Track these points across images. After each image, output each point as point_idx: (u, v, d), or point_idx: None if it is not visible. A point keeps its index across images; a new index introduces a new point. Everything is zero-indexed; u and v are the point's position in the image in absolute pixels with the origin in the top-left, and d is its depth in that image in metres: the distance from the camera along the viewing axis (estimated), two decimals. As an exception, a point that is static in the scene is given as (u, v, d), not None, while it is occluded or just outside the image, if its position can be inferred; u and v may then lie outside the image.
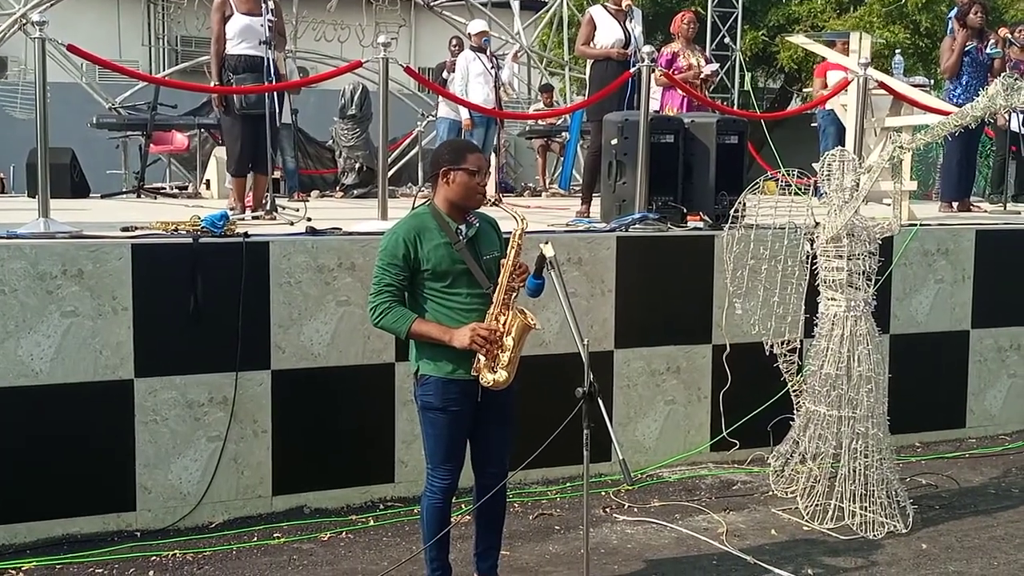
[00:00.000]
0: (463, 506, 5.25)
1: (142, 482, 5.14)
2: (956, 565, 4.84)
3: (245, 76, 7.03)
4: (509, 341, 3.92)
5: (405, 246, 3.90)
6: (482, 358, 3.89)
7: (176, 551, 4.90)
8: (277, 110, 7.16)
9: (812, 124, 10.73)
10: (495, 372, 3.91)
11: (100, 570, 4.69)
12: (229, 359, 5.24)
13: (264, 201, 7.30)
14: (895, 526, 5.23)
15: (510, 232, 4.01)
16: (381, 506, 5.56)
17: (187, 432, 5.22)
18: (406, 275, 3.91)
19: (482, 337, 3.86)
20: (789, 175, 5.71)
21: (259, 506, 5.40)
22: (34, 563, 4.72)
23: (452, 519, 4.19)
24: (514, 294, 3.98)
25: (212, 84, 7.26)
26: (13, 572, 4.63)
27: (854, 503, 5.29)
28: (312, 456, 5.49)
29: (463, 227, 4.00)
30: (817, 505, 5.39)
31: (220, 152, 10.15)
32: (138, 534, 5.09)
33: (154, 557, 4.83)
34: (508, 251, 3.99)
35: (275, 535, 5.16)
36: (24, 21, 12.27)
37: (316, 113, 12.99)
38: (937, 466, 6.39)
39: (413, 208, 4.11)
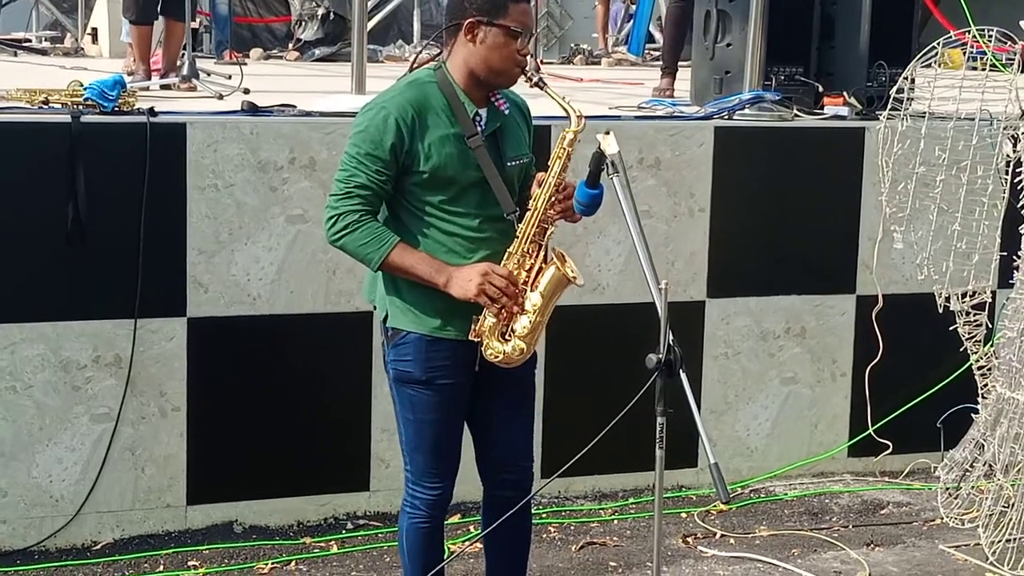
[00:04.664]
0: (472, 528, 5.27)
1: (-7, 480, 5.23)
2: None
3: None
4: (536, 299, 3.89)
5: (397, 130, 3.84)
6: (490, 318, 3.88)
7: (43, 584, 4.98)
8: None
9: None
10: (507, 342, 3.90)
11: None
12: (124, 300, 5.26)
13: (180, 63, 7.27)
14: None
15: (547, 120, 3.96)
16: (349, 524, 5.62)
17: (61, 408, 5.26)
18: (390, 175, 3.86)
19: (497, 288, 3.83)
20: (983, 38, 5.62)
21: (167, 520, 5.46)
22: None
23: (449, 547, 4.22)
24: (550, 229, 3.96)
25: None
26: None
27: (1065, 540, 5.29)
28: (247, 448, 5.54)
29: (484, 113, 3.97)
30: (1009, 540, 5.39)
31: (114, -13, 10.11)
32: (-13, 557, 5.18)
33: (9, 593, 4.92)
34: (551, 162, 3.94)
35: (190, 563, 5.21)
36: None
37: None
38: None
39: (411, 70, 4.06)
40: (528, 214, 3.91)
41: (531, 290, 3.90)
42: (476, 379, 4.02)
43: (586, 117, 3.96)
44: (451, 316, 3.92)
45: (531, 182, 4.00)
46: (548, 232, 3.94)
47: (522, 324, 3.89)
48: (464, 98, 3.91)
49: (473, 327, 3.90)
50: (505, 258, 3.90)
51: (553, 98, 3.95)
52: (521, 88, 4.04)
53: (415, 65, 4.08)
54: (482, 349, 3.91)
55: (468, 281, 3.83)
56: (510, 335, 3.90)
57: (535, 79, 3.94)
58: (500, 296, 3.83)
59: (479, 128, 3.92)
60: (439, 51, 4.09)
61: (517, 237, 3.91)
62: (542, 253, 3.93)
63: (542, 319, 3.92)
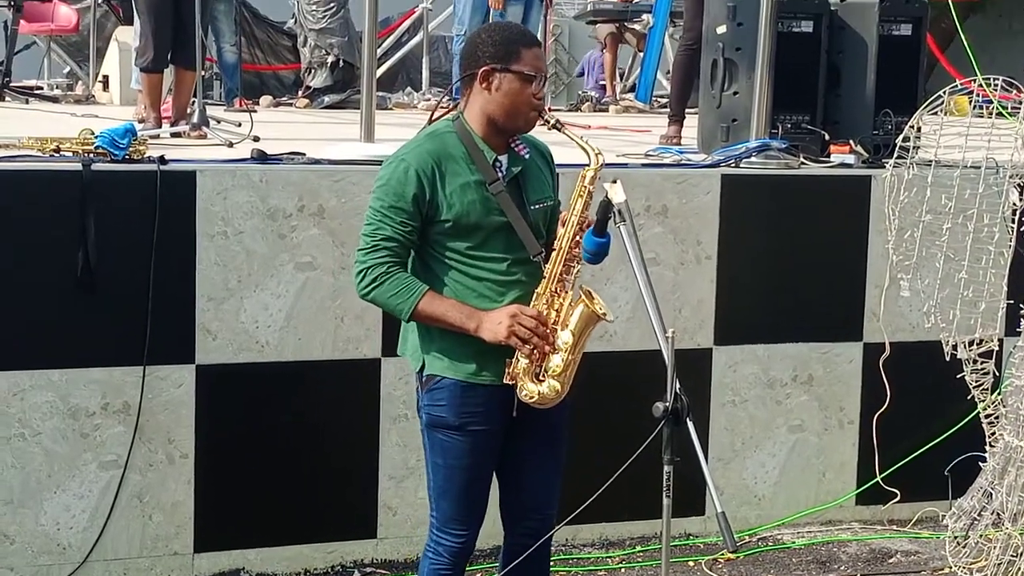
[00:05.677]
0: (479, 576, 5.27)
1: (1, 527, 5.21)
2: None
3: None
4: (566, 337, 3.93)
5: (418, 182, 3.90)
6: (523, 359, 3.92)
7: (50, 631, 4.98)
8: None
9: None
10: (541, 382, 3.93)
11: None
12: (133, 347, 5.29)
13: (190, 110, 7.31)
14: None
15: (567, 166, 4.01)
16: (356, 572, 5.61)
17: (69, 454, 5.27)
18: (414, 226, 3.92)
19: (527, 328, 3.87)
20: (989, 86, 5.65)
21: (174, 568, 5.45)
22: None
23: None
24: (576, 267, 4.00)
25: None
26: None
27: (1074, 589, 5.27)
28: (254, 496, 5.55)
29: (504, 159, 4.02)
30: (1017, 590, 5.38)
31: (124, 35, 10.17)
32: (-6, 604, 5.18)
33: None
34: (572, 201, 4.00)
35: (197, 612, 5.22)
36: None
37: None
38: None
39: (431, 122, 4.11)
40: (554, 254, 3.97)
41: (561, 329, 3.94)
42: (512, 424, 4.04)
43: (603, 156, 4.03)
44: (486, 361, 3.95)
45: (557, 224, 4.06)
46: (575, 270, 3.99)
47: (555, 363, 3.92)
48: (483, 145, 3.97)
49: (507, 370, 3.93)
50: (534, 299, 3.95)
51: (571, 137, 4.03)
52: (543, 135, 4.10)
53: (433, 117, 4.13)
54: (517, 391, 3.94)
55: (498, 324, 3.88)
56: (544, 375, 3.93)
57: (552, 121, 4.02)
58: (531, 336, 3.88)
59: (500, 174, 3.98)
60: (456, 103, 4.14)
61: (544, 277, 3.96)
62: (570, 291, 3.97)
63: (574, 357, 3.95)
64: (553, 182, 4.15)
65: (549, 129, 4.02)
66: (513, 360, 3.93)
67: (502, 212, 3.94)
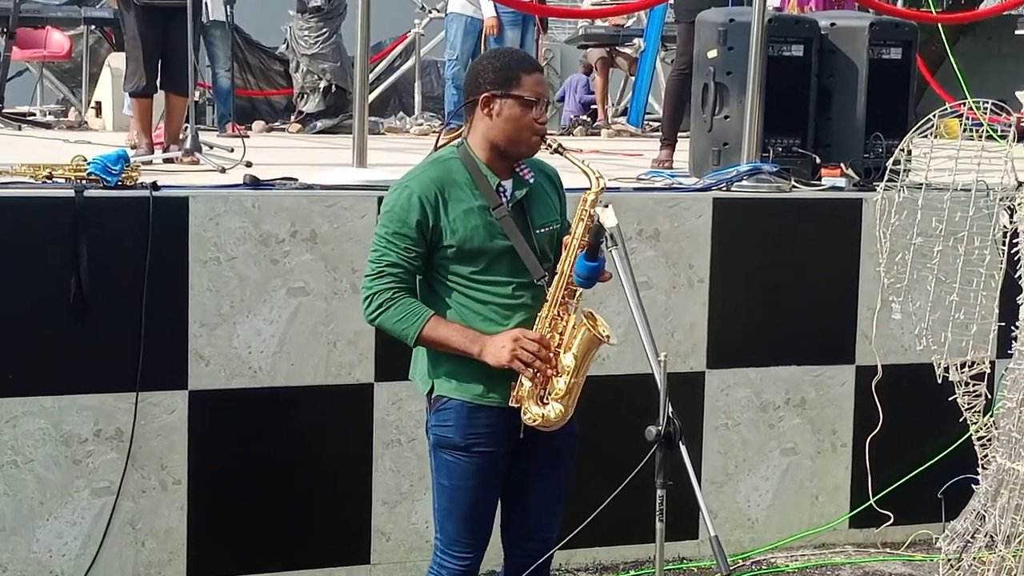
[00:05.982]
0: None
1: (-7, 554, 5.22)
2: None
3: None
4: (568, 360, 3.95)
5: (421, 208, 3.94)
6: (527, 382, 3.94)
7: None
8: (203, -1, 7.21)
9: (1016, 31, 10.67)
10: (545, 405, 3.95)
11: None
12: (126, 373, 5.29)
13: (182, 136, 7.33)
14: None
15: (568, 190, 4.02)
16: (350, 599, 5.61)
17: (61, 481, 5.26)
18: (419, 252, 3.96)
19: (529, 352, 3.90)
20: (979, 109, 5.67)
21: (167, 594, 5.45)
22: None
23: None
24: (580, 289, 4.02)
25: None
26: None
27: (1068, 611, 5.26)
28: (247, 521, 5.54)
29: (508, 183, 4.05)
30: (1011, 613, 5.37)
31: (117, 61, 10.20)
32: (-14, 632, 5.16)
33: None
34: (574, 224, 4.02)
35: (190, 638, 5.20)
36: None
37: (263, 7, 13.03)
38: None
39: (436, 149, 4.15)
40: (556, 278, 4.00)
41: (564, 352, 3.97)
42: (518, 446, 4.07)
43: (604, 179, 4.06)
44: (493, 383, 3.99)
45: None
46: (577, 293, 4.02)
47: (558, 386, 3.96)
48: (487, 171, 4.02)
49: (512, 393, 3.96)
50: (537, 322, 3.98)
51: (572, 161, 4.07)
52: (547, 159, 4.14)
53: (439, 143, 4.18)
54: (521, 414, 3.97)
55: (501, 348, 3.91)
56: (548, 398, 3.96)
57: (554, 145, 4.07)
58: (533, 360, 3.91)
59: (503, 199, 4.01)
60: (452, 127, 4.18)
61: (547, 301, 3.99)
62: (572, 314, 4.00)
63: (577, 380, 3.98)
64: (561, 206, 4.18)
65: (551, 153, 4.07)
66: (517, 383, 3.95)
67: (506, 236, 3.98)
